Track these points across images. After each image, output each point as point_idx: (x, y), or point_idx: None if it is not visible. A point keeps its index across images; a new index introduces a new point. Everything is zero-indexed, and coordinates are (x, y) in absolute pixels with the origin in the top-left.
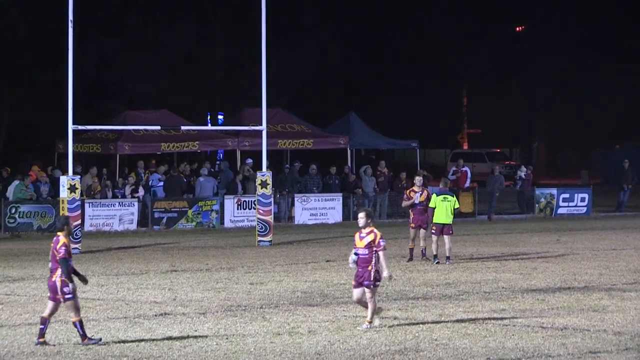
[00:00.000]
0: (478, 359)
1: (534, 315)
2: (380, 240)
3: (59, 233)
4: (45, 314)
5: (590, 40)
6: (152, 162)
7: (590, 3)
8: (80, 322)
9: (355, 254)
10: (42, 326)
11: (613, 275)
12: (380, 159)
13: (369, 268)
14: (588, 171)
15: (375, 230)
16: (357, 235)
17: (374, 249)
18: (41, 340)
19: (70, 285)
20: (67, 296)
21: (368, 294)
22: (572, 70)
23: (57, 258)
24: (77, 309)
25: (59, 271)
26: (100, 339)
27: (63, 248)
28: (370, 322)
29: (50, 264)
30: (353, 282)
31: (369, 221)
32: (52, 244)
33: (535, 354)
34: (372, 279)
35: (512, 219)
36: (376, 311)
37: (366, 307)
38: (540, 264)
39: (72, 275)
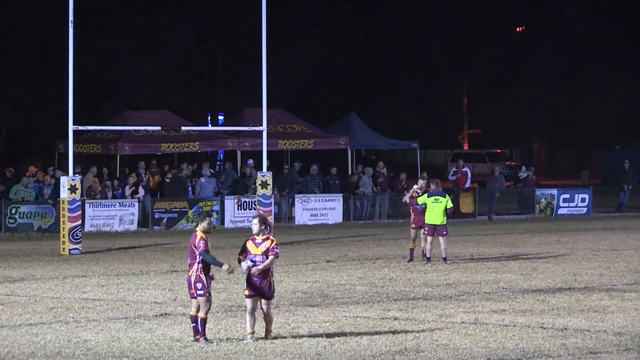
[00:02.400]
0: None
1: (534, 315)
2: (275, 246)
3: (197, 229)
4: (192, 311)
5: (591, 40)
6: (153, 163)
7: (591, 3)
8: (204, 320)
9: (252, 260)
10: (193, 324)
11: (613, 276)
12: (380, 159)
13: (267, 277)
14: (588, 171)
15: (272, 237)
16: (250, 242)
17: (270, 254)
18: (197, 337)
19: (208, 281)
20: (199, 292)
21: (265, 306)
22: (572, 70)
23: (198, 252)
24: (207, 307)
25: (195, 266)
26: (213, 341)
27: (202, 242)
28: (270, 332)
29: (188, 260)
30: (246, 292)
31: (262, 227)
32: (191, 240)
33: (535, 354)
34: (272, 289)
35: (513, 219)
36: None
37: (254, 318)
38: (540, 264)
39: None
